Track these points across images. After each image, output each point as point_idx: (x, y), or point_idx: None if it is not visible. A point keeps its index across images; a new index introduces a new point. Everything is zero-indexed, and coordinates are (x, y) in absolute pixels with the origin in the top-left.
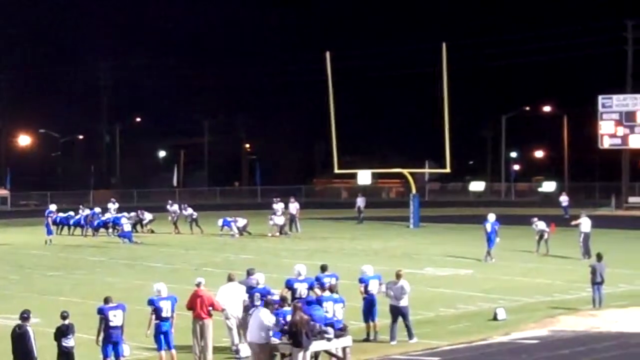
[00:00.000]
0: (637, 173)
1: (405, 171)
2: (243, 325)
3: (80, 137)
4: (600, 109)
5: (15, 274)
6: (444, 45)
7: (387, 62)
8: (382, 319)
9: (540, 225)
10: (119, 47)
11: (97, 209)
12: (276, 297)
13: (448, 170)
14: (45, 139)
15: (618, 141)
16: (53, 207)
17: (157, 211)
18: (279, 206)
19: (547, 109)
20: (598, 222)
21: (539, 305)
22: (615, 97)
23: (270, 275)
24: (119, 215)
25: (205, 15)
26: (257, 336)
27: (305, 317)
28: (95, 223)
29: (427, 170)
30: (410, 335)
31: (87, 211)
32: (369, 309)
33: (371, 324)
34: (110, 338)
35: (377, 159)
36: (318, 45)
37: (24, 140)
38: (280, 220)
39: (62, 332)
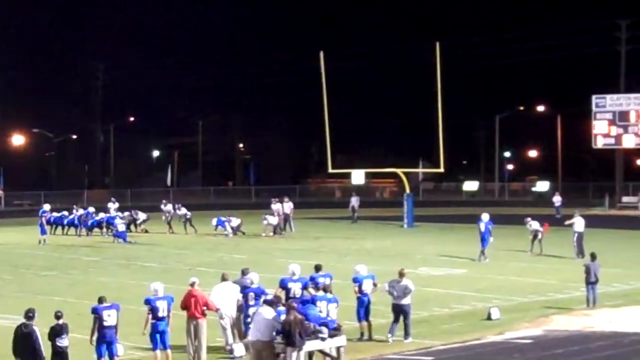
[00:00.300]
0: (630, 173)
1: (399, 171)
2: (237, 324)
3: (74, 136)
4: (593, 108)
5: (9, 273)
6: (437, 44)
7: (381, 61)
8: (377, 318)
9: (534, 225)
10: (113, 47)
11: (91, 209)
12: (270, 297)
13: (442, 169)
14: (39, 139)
15: (612, 141)
16: (47, 206)
17: (151, 211)
18: (277, 207)
19: (541, 108)
20: (592, 222)
21: (533, 304)
22: (608, 96)
23: (264, 275)
24: (113, 215)
25: (200, 15)
26: (262, 334)
27: (299, 316)
28: (89, 223)
29: (421, 170)
30: (407, 335)
31: (81, 211)
32: (362, 308)
33: (365, 323)
34: (104, 338)
35: (371, 158)
36: (312, 44)
37: (17, 139)
38: (274, 220)
39: (56, 332)
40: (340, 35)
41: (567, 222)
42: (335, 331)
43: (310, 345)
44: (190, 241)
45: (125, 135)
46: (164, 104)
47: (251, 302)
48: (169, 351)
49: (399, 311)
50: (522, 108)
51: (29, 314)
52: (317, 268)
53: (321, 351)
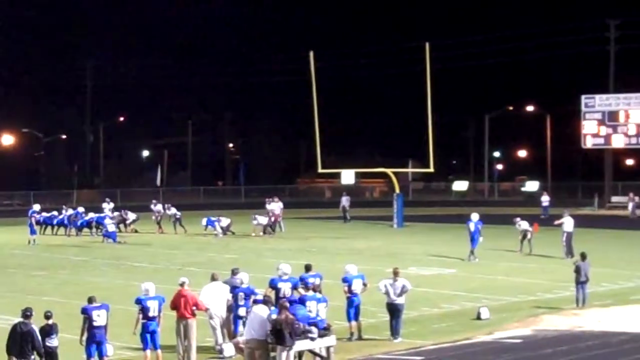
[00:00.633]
0: (619, 173)
1: (388, 171)
2: (227, 324)
3: (64, 137)
4: (583, 108)
5: None
6: (427, 45)
7: (370, 61)
8: (367, 318)
9: (523, 224)
10: (103, 47)
11: (81, 209)
12: (260, 297)
13: (431, 169)
14: (29, 139)
15: (601, 141)
16: (37, 207)
17: (140, 211)
18: (272, 207)
19: (530, 108)
20: (581, 222)
21: (523, 304)
22: (598, 96)
23: (254, 274)
24: (103, 215)
25: (190, 16)
26: (256, 332)
27: (291, 317)
28: (79, 223)
29: (410, 170)
30: (396, 334)
31: (71, 211)
32: (352, 308)
33: (354, 323)
34: (94, 338)
35: (361, 158)
36: (302, 45)
37: (7, 139)
38: (264, 220)
39: (46, 332)
40: (330, 35)
41: (556, 222)
42: (325, 331)
43: (300, 345)
44: (180, 241)
45: (114, 135)
46: (154, 104)
47: (241, 302)
48: (159, 351)
49: (394, 309)
50: (511, 108)
51: (27, 313)
52: (307, 268)
53: (311, 351)
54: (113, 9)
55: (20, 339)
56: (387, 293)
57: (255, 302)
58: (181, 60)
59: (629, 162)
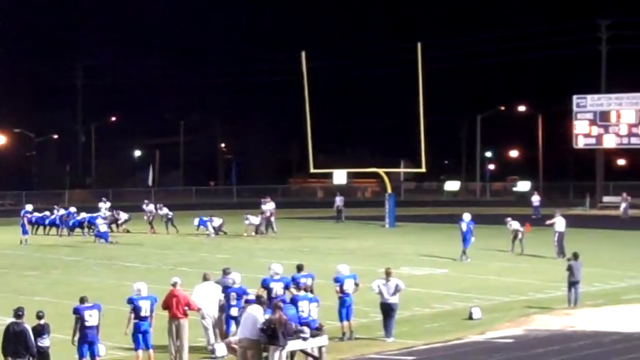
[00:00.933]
0: (611, 173)
1: (380, 171)
2: (219, 324)
3: (55, 136)
4: (574, 108)
5: None
6: (418, 45)
7: (362, 62)
8: (359, 318)
9: (514, 224)
10: (94, 47)
11: (73, 209)
12: (251, 297)
13: (423, 169)
14: (20, 139)
15: (592, 141)
16: (29, 207)
17: (132, 211)
18: (267, 207)
19: (522, 108)
20: (572, 222)
21: (514, 304)
22: (589, 97)
23: (246, 274)
24: (95, 215)
25: (181, 15)
26: (250, 332)
27: (284, 317)
28: (71, 223)
29: (402, 170)
30: (389, 334)
31: (62, 211)
32: (344, 308)
33: (346, 323)
34: (86, 338)
35: (353, 158)
36: (294, 45)
37: None
38: (256, 220)
39: (38, 332)
40: (322, 35)
41: (548, 222)
42: (317, 331)
43: (292, 345)
44: (172, 241)
45: (106, 135)
46: (146, 104)
47: (233, 302)
48: (151, 351)
49: (389, 310)
50: (503, 108)
51: (19, 313)
52: (299, 268)
53: (303, 351)
54: (106, 9)
55: (13, 339)
56: (380, 293)
57: (247, 302)
58: (174, 60)
59: (621, 162)
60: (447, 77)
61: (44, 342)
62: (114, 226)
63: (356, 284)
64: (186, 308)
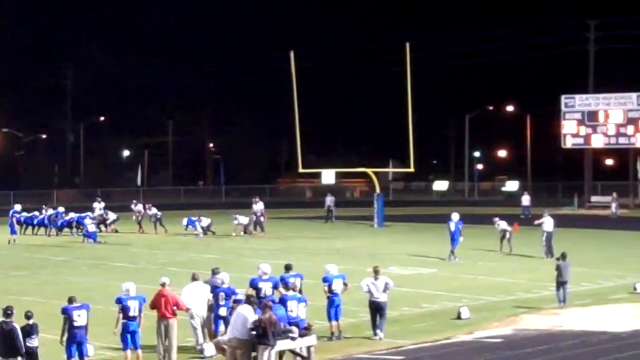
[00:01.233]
0: (599, 172)
1: (369, 170)
2: (207, 324)
3: (44, 136)
4: (562, 108)
5: None
6: (407, 44)
7: (350, 61)
8: (347, 318)
9: (502, 224)
10: (83, 47)
11: (61, 209)
12: (240, 297)
13: (412, 169)
14: (8, 138)
15: (580, 141)
16: (18, 207)
17: (121, 211)
18: (258, 207)
19: (510, 108)
20: (561, 222)
21: (503, 304)
22: (577, 97)
23: (234, 274)
24: (83, 215)
25: (170, 15)
26: (239, 332)
27: (274, 317)
28: (59, 223)
29: (391, 170)
30: (379, 330)
31: (51, 211)
32: (332, 308)
33: (335, 323)
34: (74, 338)
35: (341, 158)
36: (282, 44)
37: None
38: (244, 219)
39: (26, 332)
40: (310, 34)
41: (536, 222)
42: (305, 331)
43: (281, 344)
44: (160, 241)
45: (95, 135)
46: (134, 103)
47: (222, 302)
48: (139, 351)
49: (378, 308)
50: (491, 108)
51: (8, 312)
52: (288, 268)
53: (292, 351)
54: (94, 9)
55: (3, 338)
56: (369, 292)
57: (236, 301)
58: (161, 59)
59: (609, 162)
60: (435, 76)
61: (33, 342)
62: (102, 226)
63: (345, 284)
64: (175, 308)
